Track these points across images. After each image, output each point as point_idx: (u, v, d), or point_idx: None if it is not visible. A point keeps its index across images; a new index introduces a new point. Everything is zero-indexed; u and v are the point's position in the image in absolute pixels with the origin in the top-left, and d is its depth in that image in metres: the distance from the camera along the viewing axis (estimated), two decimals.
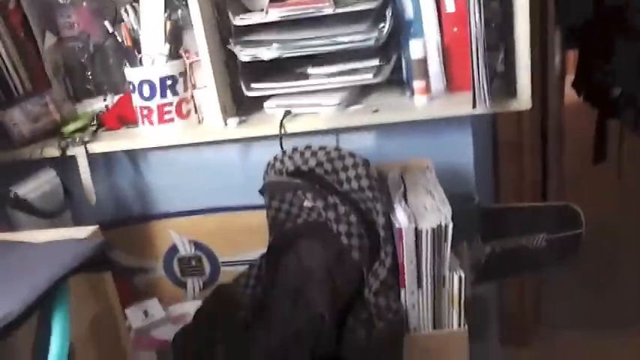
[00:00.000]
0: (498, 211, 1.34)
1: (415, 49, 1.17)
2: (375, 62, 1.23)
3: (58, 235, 0.80)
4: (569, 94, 2.61)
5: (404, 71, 1.26)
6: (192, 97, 1.29)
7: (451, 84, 1.23)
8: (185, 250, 1.40)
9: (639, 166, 3.25)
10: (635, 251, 2.45)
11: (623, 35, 2.05)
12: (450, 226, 0.96)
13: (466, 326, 1.01)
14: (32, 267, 0.65)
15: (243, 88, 1.26)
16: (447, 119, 1.20)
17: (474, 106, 1.10)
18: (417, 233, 0.97)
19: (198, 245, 1.39)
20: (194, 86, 1.28)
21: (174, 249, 1.40)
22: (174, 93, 1.25)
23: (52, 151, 1.28)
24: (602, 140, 2.36)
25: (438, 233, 0.97)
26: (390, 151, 1.28)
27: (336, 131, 1.26)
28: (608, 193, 2.94)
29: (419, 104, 1.19)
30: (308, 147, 1.12)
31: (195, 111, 1.30)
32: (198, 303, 1.19)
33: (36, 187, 1.21)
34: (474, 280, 1.27)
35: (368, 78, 1.22)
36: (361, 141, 1.28)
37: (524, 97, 1.13)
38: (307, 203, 1.11)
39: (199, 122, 1.30)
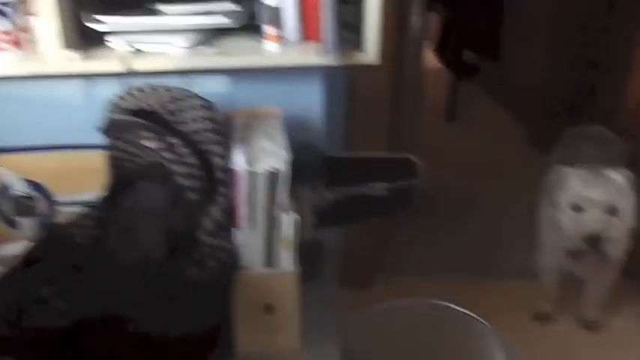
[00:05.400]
0: (342, 160, 1.40)
1: None
2: (231, 6, 1.22)
3: None
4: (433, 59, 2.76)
5: (258, 17, 1.26)
6: (29, 26, 1.20)
7: (305, 34, 1.24)
8: (18, 188, 1.33)
9: (487, 125, 3.53)
10: (480, 205, 2.68)
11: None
12: (285, 170, 0.99)
13: (297, 266, 1.06)
14: None
15: (87, 19, 1.20)
16: (299, 69, 1.22)
17: (323, 56, 1.13)
18: (252, 176, 0.99)
19: (32, 184, 1.32)
20: (31, 14, 1.19)
21: (5, 187, 1.33)
22: (9, 20, 1.16)
23: None
24: (454, 100, 2.53)
25: (272, 177, 1.00)
26: (242, 98, 1.28)
27: (185, 73, 1.24)
28: (460, 150, 3.16)
29: (270, 51, 1.20)
30: (152, 86, 1.10)
31: (33, 41, 1.21)
32: (30, 243, 1.14)
33: None
34: (316, 225, 1.33)
35: (222, 21, 1.21)
36: (213, 86, 1.27)
37: (372, 52, 1.18)
38: (148, 143, 1.09)
39: (37, 53, 1.22)
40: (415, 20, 2.24)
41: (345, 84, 1.76)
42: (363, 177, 1.36)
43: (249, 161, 1.01)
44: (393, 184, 1.37)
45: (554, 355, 1.83)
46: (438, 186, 2.81)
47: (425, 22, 2.50)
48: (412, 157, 1.38)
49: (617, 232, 1.54)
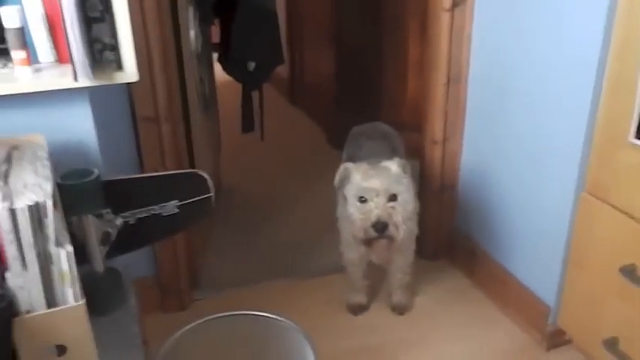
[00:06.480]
0: (126, 183, 1.35)
1: (8, 16, 1.08)
2: None
3: None
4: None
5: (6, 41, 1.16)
6: None
7: (61, 55, 1.18)
8: None
9: (289, 131, 3.67)
10: (288, 207, 2.75)
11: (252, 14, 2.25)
12: (50, 202, 0.93)
13: (83, 300, 0.99)
14: None
15: None
16: (61, 93, 1.15)
17: (76, 78, 1.08)
18: (13, 213, 0.91)
19: None
20: None
21: None
22: None
23: None
24: (248, 111, 2.58)
25: (36, 210, 0.92)
26: (2, 128, 1.18)
27: None
28: (257, 159, 3.24)
29: (21, 76, 1.12)
30: None
31: None
32: None
33: None
34: (108, 253, 1.26)
35: None
36: None
37: (130, 70, 1.15)
38: None
39: None
40: (196, 33, 2.24)
41: (124, 103, 1.71)
42: (153, 197, 1.32)
43: (8, 197, 0.92)
44: (184, 201, 1.35)
45: (367, 343, 1.93)
46: (245, 194, 2.85)
47: (208, 34, 2.50)
48: (200, 172, 1.37)
49: (400, 216, 1.67)
